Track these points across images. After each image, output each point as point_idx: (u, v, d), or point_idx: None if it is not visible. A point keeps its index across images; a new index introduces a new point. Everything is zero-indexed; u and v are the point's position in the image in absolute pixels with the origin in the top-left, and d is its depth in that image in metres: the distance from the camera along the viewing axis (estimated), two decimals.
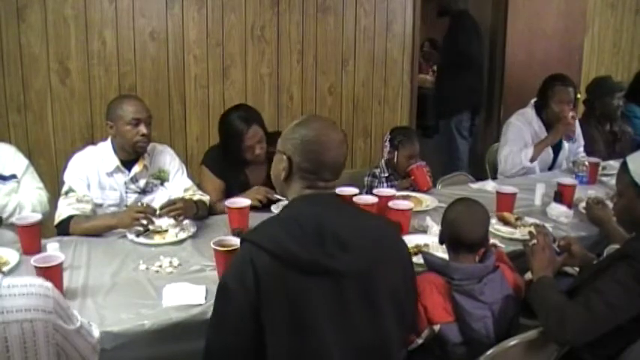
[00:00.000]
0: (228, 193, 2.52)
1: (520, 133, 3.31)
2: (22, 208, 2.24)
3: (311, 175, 1.40)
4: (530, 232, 1.90)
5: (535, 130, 3.33)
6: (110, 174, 2.33)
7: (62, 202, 2.24)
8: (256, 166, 2.61)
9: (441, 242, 1.80)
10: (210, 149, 2.72)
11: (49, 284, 1.20)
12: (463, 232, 1.70)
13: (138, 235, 2.14)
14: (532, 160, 3.22)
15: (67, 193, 2.26)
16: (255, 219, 2.27)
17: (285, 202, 2.38)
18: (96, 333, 1.34)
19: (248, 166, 2.61)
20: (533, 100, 3.44)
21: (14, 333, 1.10)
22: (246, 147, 2.50)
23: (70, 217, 2.19)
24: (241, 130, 2.48)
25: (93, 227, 2.17)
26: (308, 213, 1.35)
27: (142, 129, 2.27)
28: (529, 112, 3.38)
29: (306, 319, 1.29)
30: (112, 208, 2.32)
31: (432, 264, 1.71)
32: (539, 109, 3.35)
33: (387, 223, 1.50)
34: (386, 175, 2.88)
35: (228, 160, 2.59)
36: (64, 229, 2.19)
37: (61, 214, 2.21)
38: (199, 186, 2.55)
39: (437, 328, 1.63)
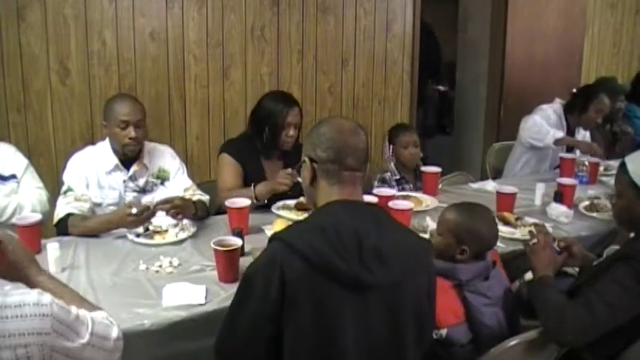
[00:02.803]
0: (245, 183, 2.52)
1: (548, 121, 3.41)
2: (22, 209, 2.24)
3: (333, 164, 1.37)
4: (530, 232, 1.90)
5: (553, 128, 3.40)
6: (109, 173, 2.33)
7: (61, 201, 2.24)
8: (273, 160, 2.61)
9: (452, 256, 1.72)
10: (229, 140, 2.74)
11: (46, 299, 1.09)
12: (493, 243, 1.75)
13: (138, 235, 2.14)
14: (556, 143, 3.31)
15: (65, 192, 2.26)
16: (256, 219, 2.28)
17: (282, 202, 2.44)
18: (114, 333, 1.23)
19: (266, 157, 2.60)
20: (559, 100, 3.49)
21: (7, 359, 1.02)
22: (286, 124, 2.50)
23: (69, 216, 2.19)
24: (285, 108, 2.51)
25: (89, 230, 2.16)
26: (347, 223, 1.30)
27: (131, 132, 2.26)
28: (556, 110, 3.48)
29: (330, 327, 1.26)
30: (111, 208, 2.32)
31: (437, 269, 1.67)
32: (568, 111, 3.46)
33: (419, 240, 1.47)
34: (397, 177, 2.86)
35: (248, 148, 2.58)
36: (62, 227, 2.19)
37: (59, 213, 2.21)
38: (199, 185, 2.55)
39: (444, 332, 1.62)
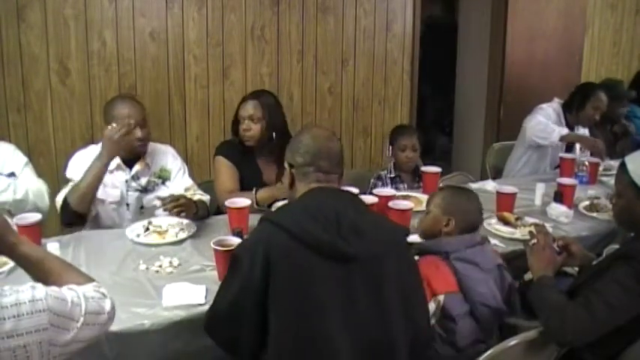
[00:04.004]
0: (242, 185, 2.53)
1: (549, 120, 3.42)
2: (15, 189, 2.22)
3: (308, 167, 1.51)
4: (530, 232, 1.91)
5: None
6: (111, 172, 2.33)
7: (62, 192, 2.26)
8: (268, 161, 2.59)
9: (439, 231, 1.83)
10: (223, 142, 2.73)
11: (40, 293, 1.06)
12: (478, 220, 1.86)
13: (138, 235, 2.14)
14: (562, 140, 3.32)
15: (66, 183, 2.27)
16: (256, 219, 2.27)
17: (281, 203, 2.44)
18: (107, 306, 1.19)
19: (261, 158, 2.59)
20: (557, 100, 3.49)
21: None
22: (240, 118, 2.52)
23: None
24: (240, 103, 2.54)
25: (86, 187, 2.16)
26: (327, 202, 1.43)
27: (137, 132, 2.28)
28: (555, 109, 3.47)
29: (315, 302, 1.32)
30: (113, 206, 2.34)
31: (425, 248, 1.81)
32: (567, 109, 3.46)
33: (397, 225, 1.60)
34: (392, 175, 2.88)
35: (242, 150, 2.57)
36: (66, 209, 2.18)
37: (59, 200, 2.23)
38: (199, 185, 2.55)
39: (441, 298, 1.65)
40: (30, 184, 2.29)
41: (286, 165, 1.58)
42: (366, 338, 1.35)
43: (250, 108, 2.51)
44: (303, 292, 1.31)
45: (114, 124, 2.20)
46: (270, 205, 2.44)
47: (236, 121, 2.55)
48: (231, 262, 1.42)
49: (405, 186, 2.86)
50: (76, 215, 2.20)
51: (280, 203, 2.45)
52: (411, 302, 1.44)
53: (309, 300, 1.31)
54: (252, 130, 2.50)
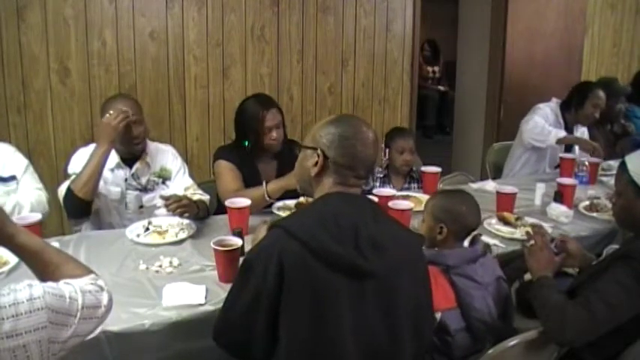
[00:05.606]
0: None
1: (546, 120, 3.42)
2: (21, 208, 2.24)
3: (346, 170, 1.41)
4: (527, 233, 1.90)
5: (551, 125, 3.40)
6: (112, 170, 2.34)
7: (63, 184, 2.26)
8: (267, 162, 2.59)
9: (434, 238, 1.80)
10: (221, 147, 2.71)
11: (38, 291, 1.04)
12: (472, 221, 1.79)
13: (138, 235, 2.14)
14: (559, 142, 3.30)
15: (67, 179, 2.28)
16: (255, 219, 2.28)
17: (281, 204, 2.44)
18: (104, 300, 1.19)
19: (259, 160, 2.59)
20: (556, 99, 3.49)
21: None
22: (266, 129, 2.46)
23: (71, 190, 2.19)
24: (261, 112, 2.46)
25: (87, 176, 2.16)
26: (346, 211, 1.35)
27: (132, 131, 2.29)
28: (553, 108, 3.47)
29: (326, 314, 1.29)
30: (114, 204, 2.35)
31: (427, 259, 1.75)
32: (565, 109, 3.45)
33: (414, 236, 1.52)
34: (380, 175, 2.88)
35: (241, 153, 2.55)
36: (69, 199, 2.18)
37: (62, 192, 2.23)
38: (199, 185, 2.55)
39: (438, 316, 1.64)
40: (32, 197, 2.29)
41: (319, 152, 1.41)
42: (374, 350, 1.34)
43: (277, 116, 2.50)
44: (315, 301, 1.28)
45: (111, 112, 2.23)
46: (280, 198, 2.44)
47: (259, 133, 2.48)
48: (242, 268, 1.36)
49: (392, 186, 2.85)
50: (81, 203, 2.19)
51: (281, 203, 2.45)
52: (420, 316, 1.42)
53: (320, 309, 1.28)
54: (280, 136, 2.50)
